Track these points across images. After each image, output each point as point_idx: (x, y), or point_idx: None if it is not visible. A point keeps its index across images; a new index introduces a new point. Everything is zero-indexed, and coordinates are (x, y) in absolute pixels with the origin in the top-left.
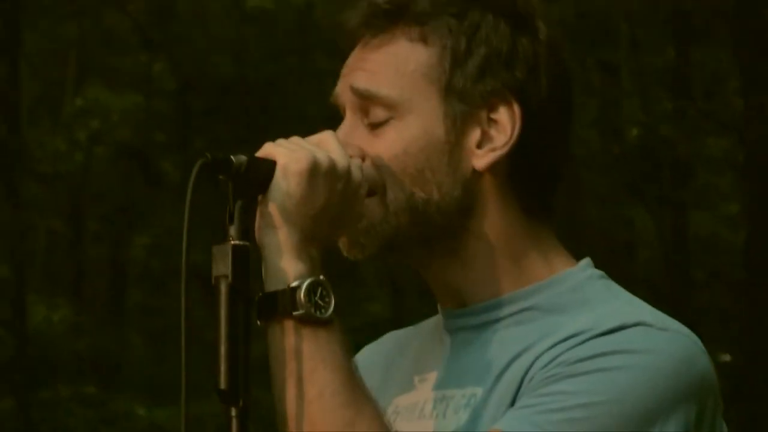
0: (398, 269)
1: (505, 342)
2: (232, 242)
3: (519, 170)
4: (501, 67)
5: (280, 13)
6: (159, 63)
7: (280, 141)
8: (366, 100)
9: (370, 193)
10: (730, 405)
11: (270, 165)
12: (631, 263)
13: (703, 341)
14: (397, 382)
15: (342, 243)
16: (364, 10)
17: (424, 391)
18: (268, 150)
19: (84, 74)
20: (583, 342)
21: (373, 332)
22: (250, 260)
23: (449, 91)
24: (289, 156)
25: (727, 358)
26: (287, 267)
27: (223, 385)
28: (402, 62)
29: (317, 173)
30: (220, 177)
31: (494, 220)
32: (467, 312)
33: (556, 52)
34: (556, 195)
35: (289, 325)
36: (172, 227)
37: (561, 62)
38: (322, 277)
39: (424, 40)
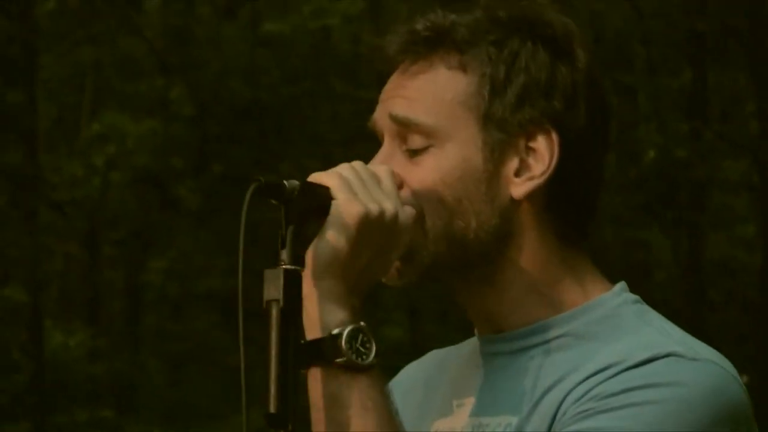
0: (417, 293)
1: (539, 370)
2: (284, 267)
3: (556, 198)
4: (540, 96)
5: (295, 37)
6: (175, 88)
7: (339, 169)
8: (404, 127)
9: None
10: None
11: (322, 191)
12: (647, 285)
13: None
14: (437, 404)
15: None
16: (404, 36)
17: (461, 417)
18: (323, 179)
19: (100, 99)
20: (614, 375)
21: (392, 355)
22: (301, 285)
23: (488, 120)
24: (340, 205)
25: (743, 379)
26: (329, 315)
27: (272, 408)
28: (441, 90)
29: (367, 228)
30: (273, 201)
31: (531, 247)
32: (502, 338)
33: (595, 79)
34: (592, 221)
35: (330, 371)
36: (188, 252)
37: (599, 89)
38: (362, 323)
39: (463, 68)
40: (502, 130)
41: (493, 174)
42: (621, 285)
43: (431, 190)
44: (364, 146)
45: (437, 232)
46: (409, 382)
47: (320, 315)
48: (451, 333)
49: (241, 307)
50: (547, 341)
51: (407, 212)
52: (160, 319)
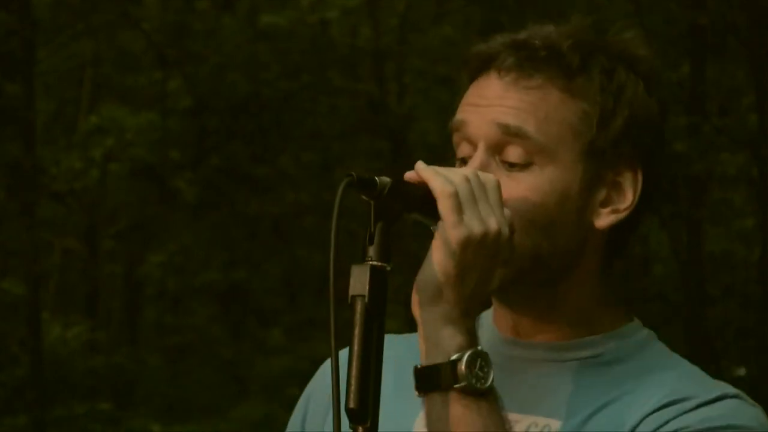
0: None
1: (584, 382)
2: (371, 263)
3: (618, 232)
4: (637, 132)
5: (294, 30)
6: (173, 81)
7: (453, 177)
8: (513, 137)
9: None
10: None
11: (415, 190)
12: (646, 279)
13: (718, 356)
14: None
15: None
16: (520, 48)
17: None
18: (436, 185)
19: (98, 92)
20: (692, 410)
21: None
22: (387, 282)
23: (591, 149)
24: (447, 229)
25: (742, 372)
26: (447, 340)
27: (352, 403)
28: (553, 111)
29: (473, 250)
30: (363, 197)
31: (588, 274)
32: (531, 345)
33: (665, 118)
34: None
35: (450, 396)
36: (187, 245)
37: (664, 129)
38: (480, 347)
39: (572, 93)
40: (601, 161)
41: (585, 203)
42: (637, 320)
43: (525, 210)
44: (362, 140)
45: (524, 249)
46: (398, 359)
47: (438, 340)
48: None
49: (332, 301)
50: (582, 359)
51: (509, 228)
52: (159, 312)
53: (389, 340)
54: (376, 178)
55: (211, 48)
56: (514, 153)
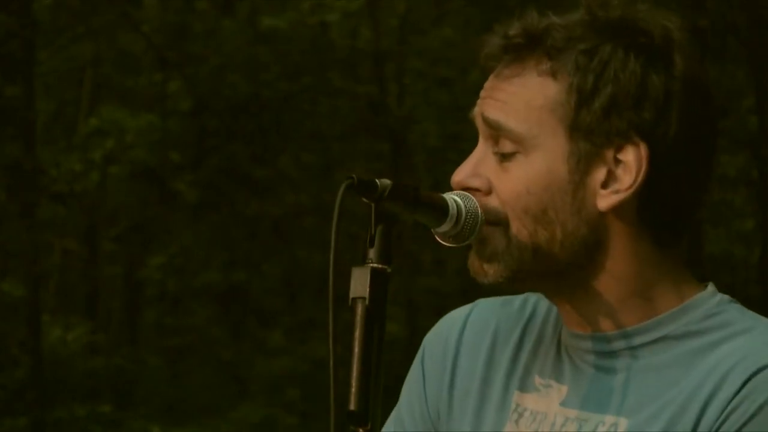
0: (413, 288)
1: (645, 375)
2: (372, 265)
3: (648, 208)
4: (628, 107)
5: (294, 32)
6: (173, 82)
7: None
8: (495, 130)
9: (495, 222)
10: None
11: (413, 192)
12: None
13: None
14: (515, 371)
15: (469, 266)
16: (500, 39)
17: (551, 402)
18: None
19: (98, 94)
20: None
21: (389, 350)
22: (388, 284)
23: (575, 130)
24: None
25: None
26: None
27: (353, 406)
28: (531, 96)
29: None
30: (364, 200)
31: (624, 255)
32: (596, 337)
33: (693, 86)
34: (690, 224)
35: None
36: (187, 246)
37: (697, 97)
38: None
39: (553, 74)
40: (589, 140)
41: (578, 185)
42: (712, 285)
43: (517, 200)
44: (362, 141)
45: (522, 240)
46: (493, 327)
47: None
48: None
49: (331, 303)
50: (647, 344)
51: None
52: (159, 314)
53: (496, 304)
54: (377, 180)
55: (211, 49)
56: (504, 144)
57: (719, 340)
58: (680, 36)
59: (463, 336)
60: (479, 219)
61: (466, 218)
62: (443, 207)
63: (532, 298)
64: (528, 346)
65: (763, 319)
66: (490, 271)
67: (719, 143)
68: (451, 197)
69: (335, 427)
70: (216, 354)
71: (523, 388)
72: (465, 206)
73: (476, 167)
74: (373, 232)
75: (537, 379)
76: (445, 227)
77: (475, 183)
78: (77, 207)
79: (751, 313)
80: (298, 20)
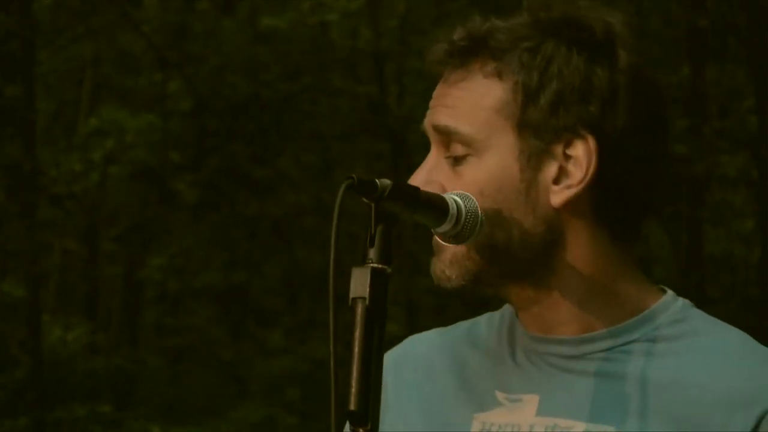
0: (413, 289)
1: (621, 380)
2: (372, 265)
3: (603, 202)
4: (574, 102)
5: (294, 32)
6: (173, 83)
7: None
8: (445, 136)
9: None
10: None
11: (414, 192)
12: None
13: None
14: (474, 394)
15: (432, 272)
16: (444, 46)
17: (524, 414)
18: None
19: (99, 94)
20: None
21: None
22: (388, 284)
23: (523, 127)
24: None
25: None
26: None
27: (353, 406)
28: (478, 98)
29: None
30: (364, 200)
31: (583, 250)
32: (563, 341)
33: (638, 79)
34: (645, 220)
35: None
36: (187, 246)
37: (644, 89)
38: None
39: (499, 75)
40: (538, 137)
41: (531, 183)
42: (671, 291)
43: None
44: (362, 141)
45: (479, 242)
46: (429, 359)
47: None
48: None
49: (332, 304)
50: (617, 346)
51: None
52: (159, 314)
53: (449, 334)
54: (377, 180)
55: (211, 49)
56: (455, 148)
57: (692, 349)
58: (622, 30)
59: (396, 377)
60: (479, 219)
61: (466, 218)
62: (443, 207)
63: (483, 318)
64: (476, 366)
65: (723, 324)
66: (452, 276)
67: (669, 135)
68: (452, 197)
69: (335, 427)
70: (216, 354)
71: (483, 407)
72: (465, 206)
73: (429, 174)
74: (373, 232)
75: (499, 395)
76: (445, 227)
77: (430, 189)
78: (77, 207)
79: (711, 318)
80: (298, 20)
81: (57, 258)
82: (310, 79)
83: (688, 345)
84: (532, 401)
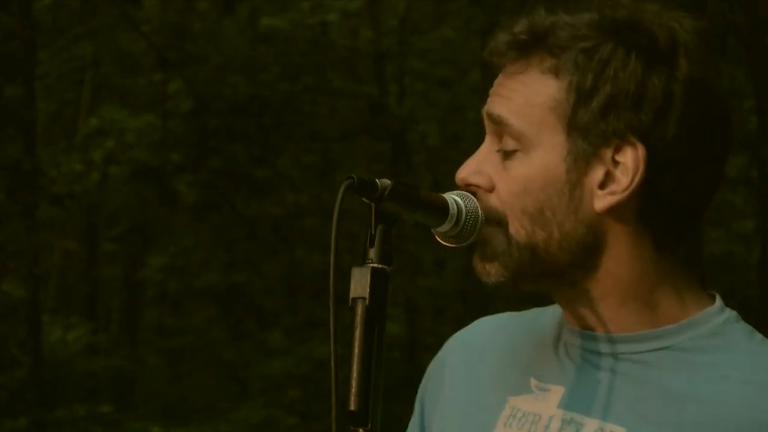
0: (413, 289)
1: (648, 384)
2: (372, 265)
3: (648, 210)
4: (626, 108)
5: (294, 32)
6: (174, 83)
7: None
8: (498, 125)
9: (495, 222)
10: None
11: (414, 192)
12: None
13: None
14: (511, 377)
15: (474, 266)
16: (506, 37)
17: (548, 403)
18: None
19: (99, 94)
20: None
21: (388, 350)
22: (388, 284)
23: (573, 128)
24: None
25: None
26: None
27: (353, 406)
28: (533, 93)
29: None
30: (364, 200)
31: (623, 257)
32: (599, 338)
33: (696, 89)
34: (693, 229)
35: None
36: (187, 247)
37: (703, 101)
38: None
39: (555, 72)
40: (587, 139)
41: (575, 184)
42: (720, 300)
43: (515, 199)
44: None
45: (520, 240)
46: (486, 341)
47: None
48: (448, 329)
49: (332, 303)
50: (649, 351)
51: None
52: (159, 314)
53: (503, 320)
54: (377, 180)
55: (211, 49)
56: (507, 141)
57: (721, 365)
58: (687, 38)
59: (455, 357)
60: (479, 219)
61: (466, 218)
62: (443, 207)
63: (552, 307)
64: (525, 352)
65: (763, 342)
66: (491, 271)
67: (728, 150)
68: (452, 197)
69: (336, 427)
70: (216, 354)
71: (517, 392)
72: (465, 206)
73: (480, 164)
74: (373, 232)
75: (533, 382)
76: (445, 227)
77: (478, 180)
78: (77, 207)
79: (759, 336)
80: (298, 20)
81: (57, 258)
82: (310, 80)
83: (720, 360)
84: (557, 392)
